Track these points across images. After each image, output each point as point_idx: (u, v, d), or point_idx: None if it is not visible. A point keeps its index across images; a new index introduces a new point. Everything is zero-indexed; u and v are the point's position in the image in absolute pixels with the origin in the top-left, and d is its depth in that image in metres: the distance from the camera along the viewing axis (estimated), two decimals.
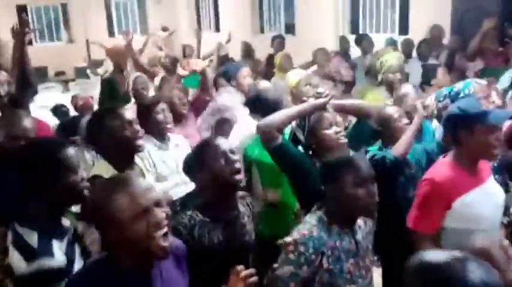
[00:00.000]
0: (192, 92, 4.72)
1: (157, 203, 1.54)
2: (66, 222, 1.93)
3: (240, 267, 1.67)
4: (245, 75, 4.43)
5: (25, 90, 3.11)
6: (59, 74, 11.85)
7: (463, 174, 2.27)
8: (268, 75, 5.83)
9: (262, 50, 7.71)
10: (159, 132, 3.11)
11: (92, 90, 7.70)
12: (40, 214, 1.84)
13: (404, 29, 8.27)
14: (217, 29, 12.67)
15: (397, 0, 8.49)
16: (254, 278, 1.67)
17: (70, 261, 1.82)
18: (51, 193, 1.85)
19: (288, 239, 1.95)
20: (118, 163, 2.41)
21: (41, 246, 1.76)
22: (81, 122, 3.42)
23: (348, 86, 4.82)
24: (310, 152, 2.64)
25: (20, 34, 2.92)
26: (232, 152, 2.16)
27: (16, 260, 1.76)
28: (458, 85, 3.11)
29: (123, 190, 1.51)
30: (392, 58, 4.49)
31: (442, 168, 2.33)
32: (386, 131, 2.92)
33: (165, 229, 1.53)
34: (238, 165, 2.15)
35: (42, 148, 1.98)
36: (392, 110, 2.98)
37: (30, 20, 12.64)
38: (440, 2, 6.95)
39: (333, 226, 2.02)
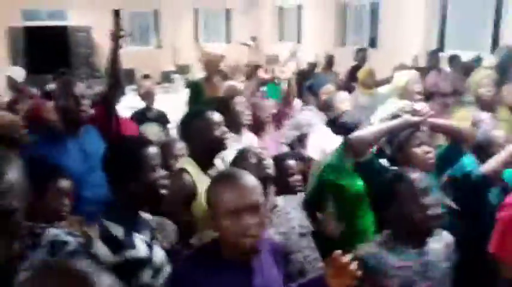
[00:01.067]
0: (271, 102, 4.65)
1: (255, 206, 1.61)
2: (145, 216, 2.05)
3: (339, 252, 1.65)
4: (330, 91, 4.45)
5: (115, 90, 3.23)
6: (145, 77, 12.19)
7: None
8: (349, 89, 5.60)
9: (342, 62, 7.49)
10: (236, 126, 3.31)
11: (173, 93, 7.83)
12: (124, 209, 1.93)
13: (495, 47, 7.73)
14: (299, 40, 12.51)
15: (490, 17, 7.98)
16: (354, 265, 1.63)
17: (151, 252, 1.91)
18: (133, 189, 1.91)
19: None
20: (203, 160, 2.57)
21: (126, 239, 1.87)
22: None
23: (448, 98, 4.60)
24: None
25: (115, 36, 3.04)
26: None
27: (103, 251, 1.84)
28: None
29: (232, 185, 1.62)
30: (484, 75, 4.28)
31: None
32: (484, 153, 2.76)
33: (257, 232, 1.60)
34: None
35: (126, 145, 2.06)
36: (498, 134, 2.83)
37: (124, 23, 13.16)
38: None
39: (398, 246, 1.96)
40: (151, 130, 4.10)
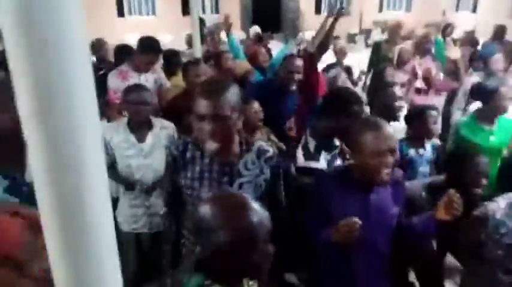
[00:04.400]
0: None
1: (391, 150, 1.59)
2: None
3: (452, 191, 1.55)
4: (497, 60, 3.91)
5: (322, 53, 3.20)
6: (335, 38, 12.30)
7: None
8: None
9: None
10: None
11: (356, 52, 7.75)
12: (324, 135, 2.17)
13: None
14: (475, 10, 11.08)
15: None
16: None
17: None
18: (339, 124, 2.04)
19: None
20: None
21: (315, 154, 2.14)
22: None
23: None
24: None
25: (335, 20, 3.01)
26: None
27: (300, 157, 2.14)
28: None
29: (374, 129, 1.60)
30: None
31: None
32: None
33: (389, 170, 1.58)
34: None
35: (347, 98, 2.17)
36: None
37: None
38: None
39: None
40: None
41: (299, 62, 2.89)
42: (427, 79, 3.84)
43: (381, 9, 13.16)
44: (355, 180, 1.68)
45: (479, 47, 6.04)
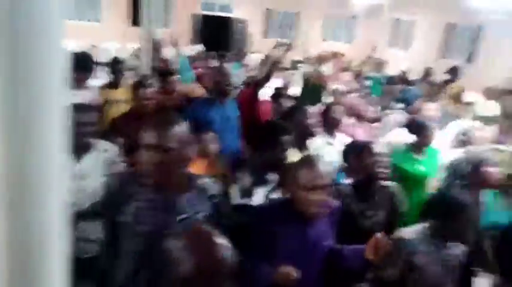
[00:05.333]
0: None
1: (324, 187, 1.68)
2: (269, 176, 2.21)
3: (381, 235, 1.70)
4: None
5: (265, 82, 3.44)
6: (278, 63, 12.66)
7: None
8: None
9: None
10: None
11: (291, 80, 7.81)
12: (255, 167, 2.20)
13: None
14: (407, 48, 12.05)
15: None
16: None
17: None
18: (267, 157, 2.18)
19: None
20: (297, 145, 2.59)
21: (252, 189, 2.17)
22: None
23: None
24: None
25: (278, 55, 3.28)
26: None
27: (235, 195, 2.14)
28: None
29: (308, 166, 1.70)
30: None
31: None
32: None
33: (320, 208, 1.67)
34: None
35: (272, 130, 2.28)
36: None
37: (271, 19, 13.63)
38: None
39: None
40: None
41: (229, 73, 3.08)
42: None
43: (324, 39, 13.82)
44: (293, 213, 1.75)
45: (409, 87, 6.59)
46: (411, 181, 2.89)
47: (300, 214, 1.74)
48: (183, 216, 1.49)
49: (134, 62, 4.45)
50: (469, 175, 2.39)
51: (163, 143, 1.38)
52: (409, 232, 1.99)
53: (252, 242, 1.79)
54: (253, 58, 8.75)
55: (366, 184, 2.23)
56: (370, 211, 2.24)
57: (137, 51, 5.13)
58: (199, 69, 4.72)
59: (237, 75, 3.26)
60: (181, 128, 1.43)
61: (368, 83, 6.58)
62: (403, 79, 6.83)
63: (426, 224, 1.99)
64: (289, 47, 3.29)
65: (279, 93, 4.92)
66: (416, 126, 3.03)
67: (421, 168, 3.01)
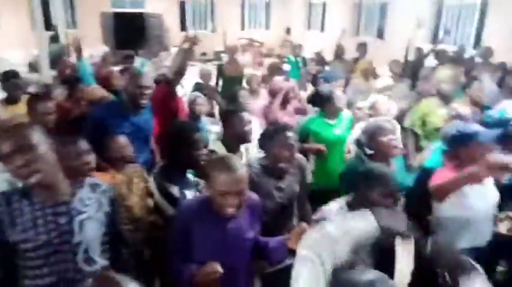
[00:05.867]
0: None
1: (239, 193, 1.66)
2: (191, 177, 2.19)
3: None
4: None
5: (178, 78, 3.31)
6: (203, 54, 12.57)
7: None
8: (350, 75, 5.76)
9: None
10: None
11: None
12: (178, 173, 2.12)
13: (477, 44, 7.66)
14: (323, 29, 12.48)
15: (475, 15, 7.85)
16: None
17: None
18: (184, 160, 2.11)
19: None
20: (231, 147, 2.57)
21: (181, 196, 2.03)
22: None
23: None
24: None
25: (187, 49, 3.17)
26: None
27: (165, 204, 2.03)
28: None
29: (225, 170, 1.65)
30: (446, 72, 4.01)
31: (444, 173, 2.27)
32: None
33: (233, 209, 1.67)
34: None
35: (183, 129, 2.19)
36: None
37: (187, 11, 13.42)
38: None
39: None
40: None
41: (146, 79, 2.86)
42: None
43: (243, 27, 13.89)
44: (212, 209, 1.75)
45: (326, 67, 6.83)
46: (327, 145, 3.06)
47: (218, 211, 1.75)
48: (82, 217, 1.50)
49: (31, 73, 4.12)
50: (367, 145, 2.50)
51: (23, 142, 1.37)
52: (329, 209, 2.04)
53: (173, 241, 1.80)
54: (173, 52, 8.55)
55: (276, 163, 2.32)
56: (283, 184, 2.35)
57: (36, 59, 4.77)
58: (106, 71, 4.48)
59: (146, 74, 3.06)
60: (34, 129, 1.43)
61: (286, 66, 6.73)
62: (318, 60, 7.06)
63: (345, 199, 2.05)
64: (194, 40, 3.23)
65: (199, 89, 4.83)
66: (319, 98, 3.16)
67: (335, 132, 3.19)
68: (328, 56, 7.46)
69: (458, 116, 3.14)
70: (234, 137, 2.60)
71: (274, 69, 5.43)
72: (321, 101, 3.20)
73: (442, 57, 6.13)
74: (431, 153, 2.90)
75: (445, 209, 2.26)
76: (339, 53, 7.18)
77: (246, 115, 2.62)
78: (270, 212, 2.26)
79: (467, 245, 2.23)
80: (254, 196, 1.91)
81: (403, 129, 3.42)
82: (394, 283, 0.99)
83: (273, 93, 3.72)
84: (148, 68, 5.67)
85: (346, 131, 3.24)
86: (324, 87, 3.30)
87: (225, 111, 2.97)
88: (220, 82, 6.04)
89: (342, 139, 3.20)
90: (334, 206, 2.01)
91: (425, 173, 2.57)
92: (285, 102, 3.67)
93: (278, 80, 3.91)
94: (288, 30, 9.93)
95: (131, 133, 2.65)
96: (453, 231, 2.25)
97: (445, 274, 1.45)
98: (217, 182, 1.66)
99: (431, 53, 6.22)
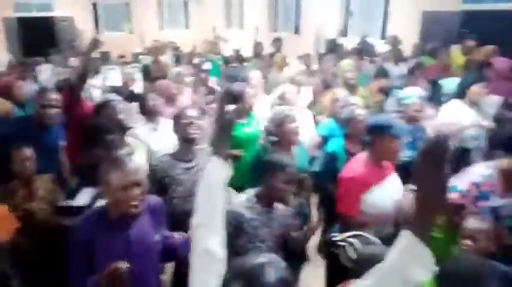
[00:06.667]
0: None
1: (136, 183, 1.70)
2: None
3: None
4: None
5: (81, 83, 3.22)
6: (121, 57, 12.11)
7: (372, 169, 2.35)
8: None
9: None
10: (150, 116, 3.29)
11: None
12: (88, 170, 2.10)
13: (383, 34, 8.25)
14: (242, 26, 12.62)
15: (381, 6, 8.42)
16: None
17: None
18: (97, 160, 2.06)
19: None
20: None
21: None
22: None
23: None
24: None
25: (89, 51, 3.10)
26: None
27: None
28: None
29: (117, 165, 1.69)
30: (349, 62, 4.37)
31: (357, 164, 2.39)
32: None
33: (137, 202, 1.69)
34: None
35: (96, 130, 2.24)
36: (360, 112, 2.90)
37: (100, 13, 12.85)
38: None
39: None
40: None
41: (53, 95, 2.77)
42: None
43: (162, 28, 13.60)
44: (111, 219, 1.72)
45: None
46: (240, 144, 3.09)
47: (119, 219, 1.72)
48: None
49: None
50: (274, 132, 2.58)
51: None
52: (237, 203, 2.10)
53: (73, 258, 1.73)
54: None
55: (185, 147, 2.46)
56: (190, 164, 2.45)
57: None
58: (7, 81, 4.18)
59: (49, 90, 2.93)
60: None
61: (206, 66, 6.72)
62: (237, 58, 7.15)
63: (253, 191, 2.12)
64: (96, 43, 3.13)
65: (117, 92, 4.64)
66: (232, 96, 3.22)
67: (246, 130, 3.25)
68: (249, 53, 7.61)
69: (336, 100, 3.36)
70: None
71: (197, 67, 5.44)
72: (232, 100, 3.25)
73: (341, 49, 6.53)
74: (328, 135, 3.09)
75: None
76: (257, 50, 7.37)
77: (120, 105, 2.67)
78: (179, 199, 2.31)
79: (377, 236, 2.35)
80: (154, 197, 1.91)
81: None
82: (285, 266, 1.04)
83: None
84: (52, 76, 5.37)
85: (257, 128, 3.28)
86: (235, 86, 3.34)
87: (97, 106, 2.96)
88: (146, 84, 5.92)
89: (254, 137, 3.23)
90: (242, 199, 2.08)
91: (330, 157, 2.76)
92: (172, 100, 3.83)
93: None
94: (214, 29, 9.93)
95: (39, 149, 2.54)
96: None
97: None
98: (113, 178, 1.66)
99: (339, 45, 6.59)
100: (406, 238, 0.95)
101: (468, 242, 1.90)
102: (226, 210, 1.97)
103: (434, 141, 0.93)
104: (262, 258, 1.08)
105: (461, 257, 1.73)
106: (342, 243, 1.82)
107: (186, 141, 2.49)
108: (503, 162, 2.15)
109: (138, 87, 5.46)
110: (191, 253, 1.21)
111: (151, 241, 1.82)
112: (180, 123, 2.48)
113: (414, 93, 3.25)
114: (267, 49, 7.36)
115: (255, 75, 4.24)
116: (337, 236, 1.89)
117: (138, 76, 5.92)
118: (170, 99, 3.93)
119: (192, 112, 2.51)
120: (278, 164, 2.00)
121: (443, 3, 6.83)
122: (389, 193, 2.36)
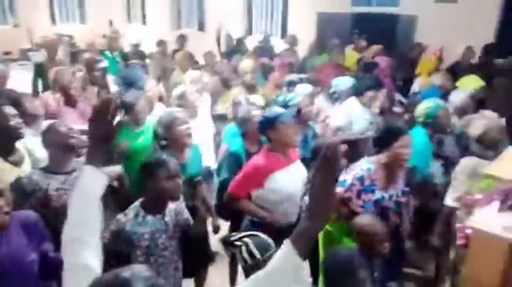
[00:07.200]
0: None
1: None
2: None
3: None
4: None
5: None
6: (6, 53, 10.92)
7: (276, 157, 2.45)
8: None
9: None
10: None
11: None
12: None
13: (284, 33, 8.55)
14: (144, 22, 12.17)
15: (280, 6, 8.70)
16: None
17: None
18: None
19: None
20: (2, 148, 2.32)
21: None
22: None
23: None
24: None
25: None
26: None
27: None
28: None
29: None
30: (248, 63, 4.40)
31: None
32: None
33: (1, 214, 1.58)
34: None
35: None
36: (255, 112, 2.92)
37: None
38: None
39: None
40: None
41: None
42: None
43: (54, 22, 12.53)
44: None
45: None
46: (135, 155, 2.94)
47: None
48: None
49: None
50: (163, 135, 2.52)
51: None
52: (124, 221, 2.01)
53: None
54: None
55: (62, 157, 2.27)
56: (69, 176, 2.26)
57: None
58: None
59: None
60: None
61: (103, 64, 6.31)
62: (136, 53, 6.83)
63: (137, 203, 2.07)
64: None
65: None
66: (124, 106, 3.06)
67: (140, 140, 3.09)
68: (151, 49, 7.30)
69: (237, 103, 3.37)
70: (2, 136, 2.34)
71: (91, 65, 5.04)
72: (126, 110, 3.08)
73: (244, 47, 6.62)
74: (229, 138, 3.11)
75: (259, 194, 2.45)
76: (159, 47, 7.10)
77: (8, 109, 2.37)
78: None
79: (285, 221, 2.43)
80: (27, 213, 1.79)
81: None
82: (152, 273, 0.96)
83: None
84: None
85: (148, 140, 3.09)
86: (128, 95, 3.14)
87: None
88: (40, 83, 5.52)
89: (148, 147, 3.04)
90: (130, 215, 2.01)
91: (233, 157, 2.78)
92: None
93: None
94: (111, 23, 9.33)
95: None
96: (271, 210, 2.45)
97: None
98: None
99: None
100: (286, 248, 0.96)
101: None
102: (119, 233, 1.93)
103: (327, 149, 0.94)
104: (125, 272, 0.99)
105: (336, 251, 1.89)
106: (238, 243, 1.83)
107: (64, 151, 2.26)
108: (381, 157, 2.33)
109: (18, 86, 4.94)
110: (63, 269, 1.11)
111: (26, 259, 1.69)
112: (59, 131, 2.26)
113: (303, 91, 3.37)
114: (171, 47, 7.18)
115: (151, 86, 4.06)
116: (234, 236, 1.89)
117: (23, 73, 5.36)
118: (71, 100, 3.59)
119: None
120: (155, 162, 1.97)
121: (335, 5, 7.30)
122: (292, 178, 2.47)
